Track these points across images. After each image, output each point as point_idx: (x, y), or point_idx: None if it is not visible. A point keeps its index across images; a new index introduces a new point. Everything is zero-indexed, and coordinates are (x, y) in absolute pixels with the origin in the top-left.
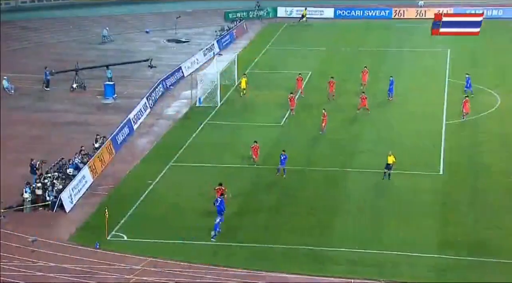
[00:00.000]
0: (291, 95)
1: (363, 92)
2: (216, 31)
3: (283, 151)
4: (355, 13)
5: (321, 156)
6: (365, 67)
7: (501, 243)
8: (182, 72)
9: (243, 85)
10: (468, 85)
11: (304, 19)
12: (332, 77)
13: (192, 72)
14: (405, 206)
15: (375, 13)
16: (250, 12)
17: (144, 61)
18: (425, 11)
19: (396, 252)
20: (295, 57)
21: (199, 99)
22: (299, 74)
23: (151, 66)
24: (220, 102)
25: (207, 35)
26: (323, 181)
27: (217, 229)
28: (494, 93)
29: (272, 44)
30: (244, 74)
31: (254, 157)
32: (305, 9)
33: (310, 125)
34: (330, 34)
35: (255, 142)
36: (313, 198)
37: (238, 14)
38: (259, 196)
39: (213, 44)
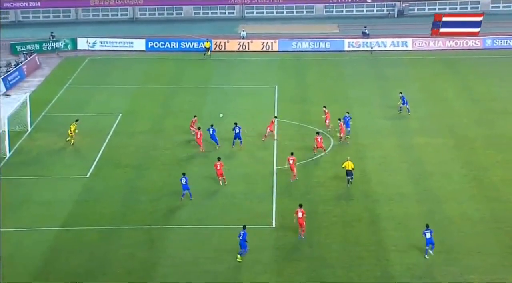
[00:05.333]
0: (199, 131)
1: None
2: (0, 67)
3: (183, 173)
4: (170, 45)
5: (137, 212)
6: (275, 117)
7: None
8: None
9: (69, 132)
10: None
11: (208, 52)
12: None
13: None
14: (237, 269)
15: (193, 45)
16: (44, 44)
17: None
18: (249, 43)
19: None
20: (101, 95)
21: None
22: (195, 116)
23: None
24: (9, 152)
25: None
26: (139, 242)
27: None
28: (327, 134)
29: (72, 81)
30: (77, 120)
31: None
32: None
33: (121, 176)
34: (141, 69)
35: (219, 159)
36: (127, 263)
37: (29, 46)
38: (59, 265)
39: None
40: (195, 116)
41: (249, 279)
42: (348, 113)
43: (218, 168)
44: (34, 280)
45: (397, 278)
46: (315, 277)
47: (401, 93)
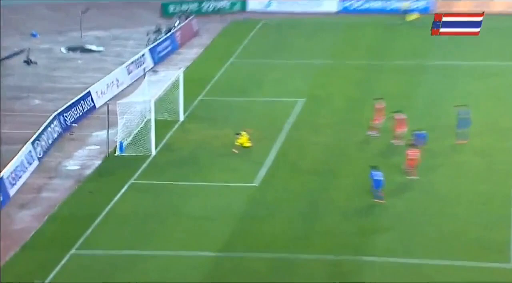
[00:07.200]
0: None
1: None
2: (148, 34)
3: (373, 166)
4: (371, 5)
5: (320, 234)
6: (380, 99)
7: None
8: (91, 100)
9: (244, 141)
10: None
11: (413, 16)
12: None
13: (109, 100)
14: None
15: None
16: (203, 4)
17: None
18: (488, 2)
19: None
20: (276, 74)
21: (121, 144)
22: (378, 99)
23: (29, 62)
24: (155, 149)
25: (133, 40)
26: (322, 277)
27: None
28: None
29: (239, 54)
30: (242, 132)
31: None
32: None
33: (301, 185)
34: (332, 37)
35: (411, 145)
36: None
37: (184, 7)
38: None
39: (143, 55)
40: (378, 99)
41: None
42: None
43: (410, 157)
44: None
45: None
46: None
47: None
